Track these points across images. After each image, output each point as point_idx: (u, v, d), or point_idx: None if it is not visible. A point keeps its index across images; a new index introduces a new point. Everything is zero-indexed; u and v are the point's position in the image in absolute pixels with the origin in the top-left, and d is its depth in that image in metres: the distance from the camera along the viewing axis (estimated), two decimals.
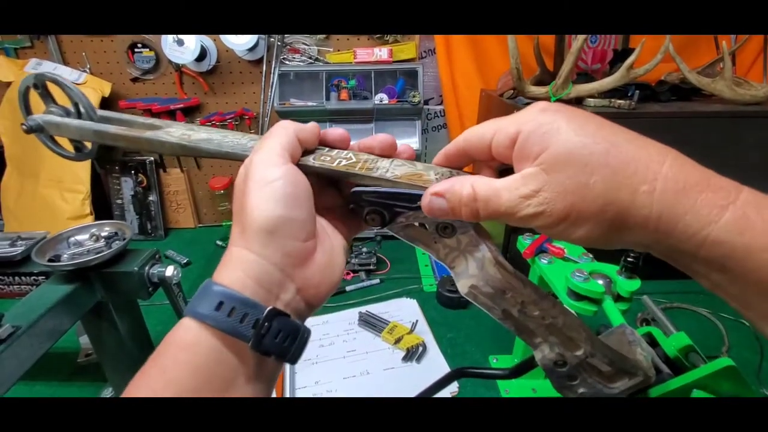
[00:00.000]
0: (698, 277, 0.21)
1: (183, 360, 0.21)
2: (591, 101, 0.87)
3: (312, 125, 0.27)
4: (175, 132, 0.31)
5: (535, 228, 0.23)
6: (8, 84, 1.14)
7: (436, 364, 0.74)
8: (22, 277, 0.60)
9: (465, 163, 0.27)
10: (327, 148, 0.28)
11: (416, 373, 0.72)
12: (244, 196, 0.24)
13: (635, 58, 0.80)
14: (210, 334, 0.22)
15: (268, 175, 0.24)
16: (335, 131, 0.29)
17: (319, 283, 0.26)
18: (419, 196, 0.26)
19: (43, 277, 0.59)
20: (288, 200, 0.24)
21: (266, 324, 0.22)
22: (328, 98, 1.14)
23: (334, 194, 0.29)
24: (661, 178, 0.19)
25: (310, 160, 0.27)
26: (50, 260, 0.55)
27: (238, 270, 0.23)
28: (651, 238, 0.20)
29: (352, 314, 0.86)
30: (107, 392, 0.71)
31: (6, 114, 1.15)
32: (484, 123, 0.24)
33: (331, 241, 0.27)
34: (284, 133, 0.26)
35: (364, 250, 1.04)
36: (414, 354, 0.75)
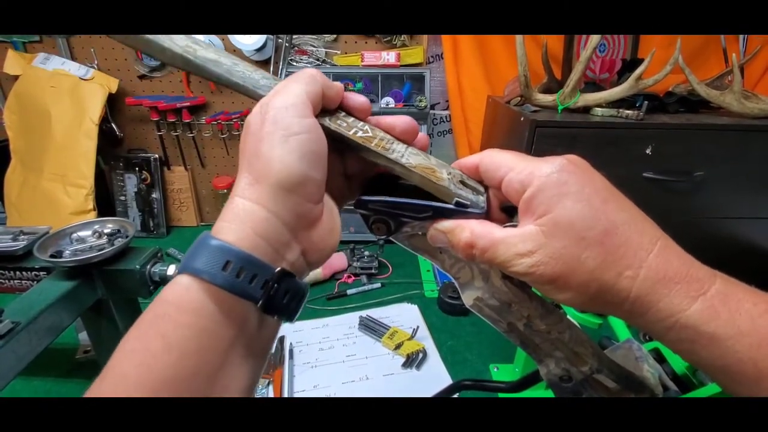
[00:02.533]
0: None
1: (186, 323, 0.20)
2: (598, 111, 0.86)
3: (339, 85, 0.26)
4: (180, 41, 0.27)
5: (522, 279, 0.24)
6: (16, 77, 1.14)
7: (436, 372, 0.74)
8: (23, 272, 0.60)
9: (477, 178, 0.27)
10: (344, 113, 0.27)
11: (416, 380, 0.72)
12: (261, 142, 0.22)
13: (644, 68, 0.80)
14: (215, 295, 0.21)
15: (294, 125, 0.22)
16: (358, 98, 0.27)
17: (324, 247, 0.25)
18: (426, 207, 0.26)
19: (45, 273, 0.59)
20: (310, 158, 0.22)
21: (275, 285, 0.22)
22: None
23: (335, 160, 0.27)
24: (645, 267, 0.21)
25: (326, 120, 0.25)
26: (52, 256, 0.55)
27: (247, 227, 0.21)
28: (625, 315, 0.22)
29: (352, 318, 0.86)
30: None
31: (12, 107, 1.15)
32: (503, 154, 0.25)
33: (330, 205, 0.26)
34: (312, 81, 0.24)
35: (366, 253, 1.03)
36: (414, 360, 0.75)
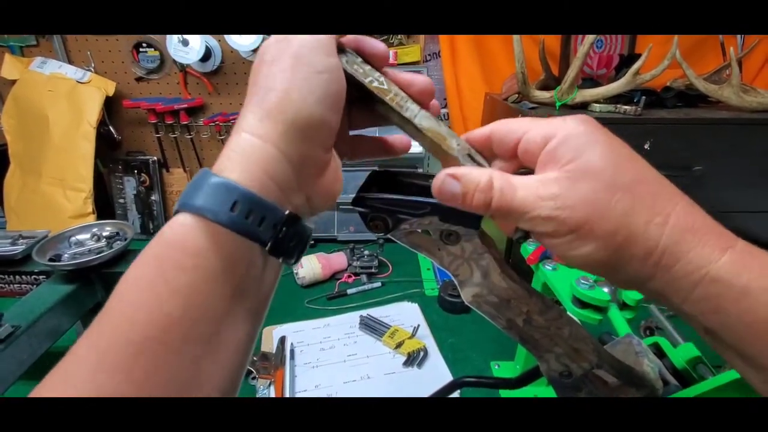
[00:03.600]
0: (691, 321, 0.22)
1: (190, 266, 0.19)
2: (596, 106, 0.86)
3: None
4: None
5: (538, 235, 0.22)
6: (13, 82, 1.14)
7: (437, 370, 0.74)
8: (23, 276, 0.60)
9: (486, 153, 0.26)
10: (360, 59, 0.25)
11: (417, 379, 0.72)
12: (279, 76, 0.21)
13: (642, 63, 0.79)
14: (220, 235, 0.19)
15: (319, 63, 0.21)
16: (377, 44, 0.25)
17: (327, 195, 0.24)
18: (424, 204, 0.26)
19: (44, 277, 0.59)
20: (330, 101, 0.21)
21: (284, 228, 0.21)
22: None
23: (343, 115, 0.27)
24: (674, 215, 0.20)
25: (344, 62, 0.24)
26: (51, 259, 0.55)
27: (256, 166, 0.20)
28: (649, 271, 0.21)
29: (353, 318, 0.86)
30: None
31: (11, 112, 1.15)
32: (518, 119, 0.24)
33: (335, 155, 0.25)
34: None
35: (366, 252, 1.03)
36: (415, 359, 0.74)
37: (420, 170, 1.16)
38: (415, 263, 1.08)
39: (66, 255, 0.57)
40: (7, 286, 0.61)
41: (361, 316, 0.85)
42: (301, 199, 0.23)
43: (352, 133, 0.29)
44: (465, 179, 0.23)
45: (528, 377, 0.33)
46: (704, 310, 0.20)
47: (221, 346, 0.21)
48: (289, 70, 0.21)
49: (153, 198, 1.27)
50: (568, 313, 0.29)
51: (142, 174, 1.25)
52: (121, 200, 1.27)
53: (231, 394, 0.22)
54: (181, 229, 0.19)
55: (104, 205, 1.24)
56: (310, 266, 0.97)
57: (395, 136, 0.30)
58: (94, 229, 0.61)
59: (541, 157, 0.22)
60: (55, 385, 0.18)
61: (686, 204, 0.21)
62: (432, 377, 0.72)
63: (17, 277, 0.60)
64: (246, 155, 0.20)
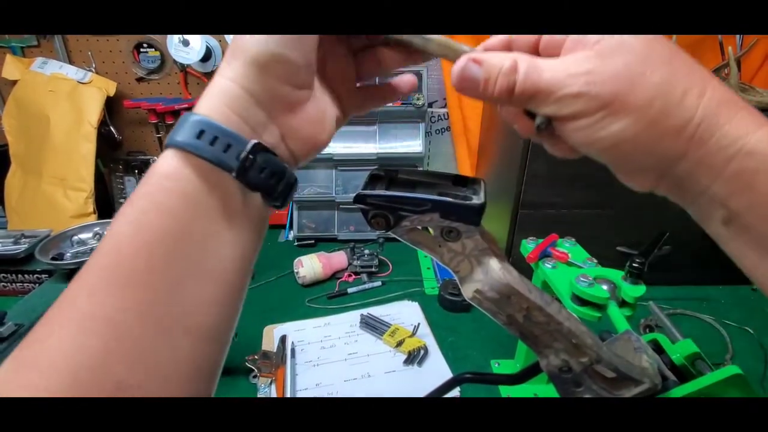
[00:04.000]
0: (712, 209, 0.21)
1: (172, 189, 0.21)
2: None
3: None
4: None
5: (563, 119, 0.21)
6: (14, 82, 1.14)
7: (437, 368, 0.74)
8: (25, 275, 0.60)
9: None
10: None
11: (418, 377, 0.72)
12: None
13: None
14: (193, 163, 0.21)
15: None
16: None
17: (307, 137, 0.25)
18: (425, 201, 0.26)
19: (46, 276, 0.59)
20: (291, 41, 0.22)
21: (250, 156, 0.21)
22: None
23: (346, 63, 0.27)
24: (711, 88, 0.20)
25: None
26: (53, 258, 0.56)
27: (221, 102, 0.22)
28: (682, 147, 0.20)
29: (353, 316, 0.86)
30: None
31: (12, 112, 1.15)
32: None
33: (325, 103, 0.26)
34: None
35: (366, 252, 1.04)
36: (415, 357, 0.75)
37: (420, 168, 1.16)
38: (415, 262, 1.08)
39: (68, 254, 0.57)
40: (9, 285, 0.61)
41: (361, 314, 0.85)
42: (275, 137, 0.24)
43: (359, 84, 0.29)
44: (487, 63, 0.22)
45: (528, 373, 0.33)
46: (734, 190, 0.20)
47: (207, 272, 0.22)
48: None
49: None
50: (566, 308, 0.30)
51: (143, 174, 1.25)
52: (122, 200, 1.27)
53: (224, 331, 0.23)
54: (165, 160, 0.21)
55: (105, 204, 1.25)
56: (310, 265, 0.97)
57: (399, 77, 0.30)
58: (96, 228, 0.62)
59: (566, 44, 0.21)
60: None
61: (720, 81, 0.20)
62: (432, 375, 0.72)
63: (20, 276, 0.60)
64: (213, 94, 0.22)
